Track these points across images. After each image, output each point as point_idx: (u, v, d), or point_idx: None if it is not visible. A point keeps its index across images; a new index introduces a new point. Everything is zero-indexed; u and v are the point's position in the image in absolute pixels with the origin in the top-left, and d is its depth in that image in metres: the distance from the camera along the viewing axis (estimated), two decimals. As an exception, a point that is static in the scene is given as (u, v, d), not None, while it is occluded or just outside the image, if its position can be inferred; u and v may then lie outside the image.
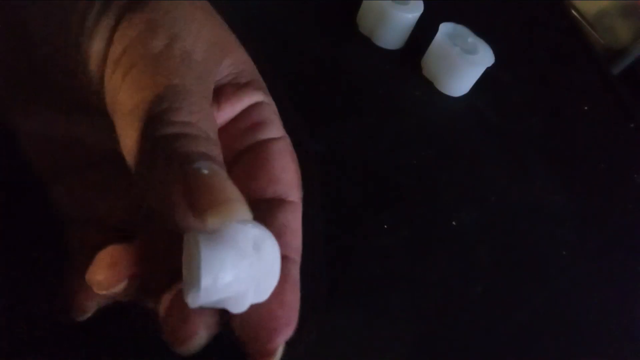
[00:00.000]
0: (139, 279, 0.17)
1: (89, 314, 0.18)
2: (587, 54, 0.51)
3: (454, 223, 0.31)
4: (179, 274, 0.16)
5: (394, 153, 0.33)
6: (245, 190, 0.18)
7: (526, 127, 0.40)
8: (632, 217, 0.37)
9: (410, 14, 0.37)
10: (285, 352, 0.17)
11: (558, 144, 0.40)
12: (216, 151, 0.16)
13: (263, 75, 0.22)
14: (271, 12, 0.36)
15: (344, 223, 0.28)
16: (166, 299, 0.17)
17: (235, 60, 0.20)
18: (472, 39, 0.38)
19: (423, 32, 0.38)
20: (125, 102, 0.16)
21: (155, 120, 0.15)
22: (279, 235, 0.17)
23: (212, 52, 0.18)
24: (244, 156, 0.20)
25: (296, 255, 0.19)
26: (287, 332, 0.17)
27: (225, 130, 0.20)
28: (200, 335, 0.16)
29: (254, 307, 0.16)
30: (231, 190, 0.14)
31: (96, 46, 0.17)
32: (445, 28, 0.37)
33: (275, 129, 0.20)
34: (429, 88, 0.38)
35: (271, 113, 0.21)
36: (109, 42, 0.17)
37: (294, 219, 0.19)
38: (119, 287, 0.16)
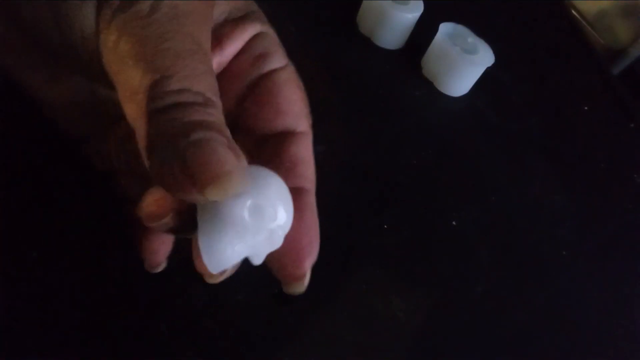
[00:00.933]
0: (180, 212, 0.17)
1: (162, 267, 0.20)
2: (587, 54, 0.51)
3: (454, 223, 0.31)
4: None
5: (394, 153, 0.33)
6: (255, 126, 0.20)
7: (526, 127, 0.40)
8: (632, 217, 0.37)
9: (410, 14, 0.37)
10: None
11: (558, 144, 0.40)
12: (215, 114, 0.16)
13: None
14: (271, 12, 0.36)
15: (344, 223, 0.28)
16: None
17: None
18: (472, 39, 0.38)
19: (423, 32, 0.38)
20: (122, 83, 0.16)
21: (150, 95, 0.15)
22: (291, 167, 0.19)
23: None
24: (250, 91, 0.20)
25: (311, 184, 0.19)
26: (311, 257, 0.18)
27: (229, 68, 0.20)
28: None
29: None
30: (227, 161, 0.14)
31: (88, 20, 0.16)
32: (445, 28, 0.37)
33: (277, 59, 0.20)
34: (429, 88, 0.38)
35: (272, 43, 0.21)
36: (98, 13, 0.16)
37: (304, 149, 0.20)
38: (167, 219, 0.17)
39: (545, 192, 0.36)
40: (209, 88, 0.16)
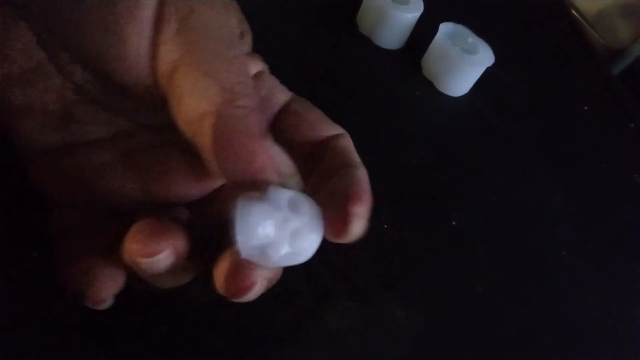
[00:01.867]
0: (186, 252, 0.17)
1: (108, 303, 0.18)
2: (587, 54, 0.51)
3: (454, 223, 0.31)
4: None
5: (394, 153, 0.33)
6: (295, 140, 0.20)
7: (526, 127, 0.40)
8: (632, 217, 0.37)
9: (410, 14, 0.37)
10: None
11: (558, 144, 0.40)
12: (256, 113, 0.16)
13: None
14: (271, 12, 0.36)
15: (344, 223, 0.28)
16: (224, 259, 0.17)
17: None
18: (472, 39, 0.38)
19: (423, 32, 0.38)
20: (186, 111, 0.16)
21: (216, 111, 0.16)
22: (344, 153, 0.20)
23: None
24: (276, 119, 0.21)
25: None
26: (365, 201, 0.18)
27: None
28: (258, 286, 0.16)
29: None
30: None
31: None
32: (445, 28, 0.37)
33: (283, 92, 0.21)
34: (429, 88, 0.38)
35: (271, 80, 0.22)
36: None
37: (351, 144, 0.21)
38: (161, 258, 0.16)
39: (545, 192, 0.36)
40: (248, 89, 0.17)
